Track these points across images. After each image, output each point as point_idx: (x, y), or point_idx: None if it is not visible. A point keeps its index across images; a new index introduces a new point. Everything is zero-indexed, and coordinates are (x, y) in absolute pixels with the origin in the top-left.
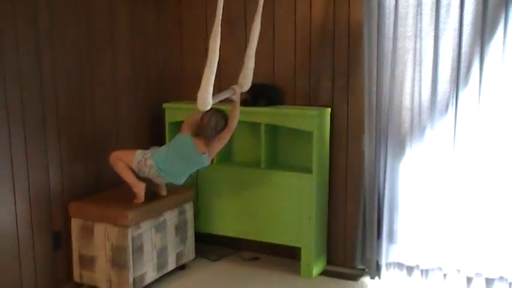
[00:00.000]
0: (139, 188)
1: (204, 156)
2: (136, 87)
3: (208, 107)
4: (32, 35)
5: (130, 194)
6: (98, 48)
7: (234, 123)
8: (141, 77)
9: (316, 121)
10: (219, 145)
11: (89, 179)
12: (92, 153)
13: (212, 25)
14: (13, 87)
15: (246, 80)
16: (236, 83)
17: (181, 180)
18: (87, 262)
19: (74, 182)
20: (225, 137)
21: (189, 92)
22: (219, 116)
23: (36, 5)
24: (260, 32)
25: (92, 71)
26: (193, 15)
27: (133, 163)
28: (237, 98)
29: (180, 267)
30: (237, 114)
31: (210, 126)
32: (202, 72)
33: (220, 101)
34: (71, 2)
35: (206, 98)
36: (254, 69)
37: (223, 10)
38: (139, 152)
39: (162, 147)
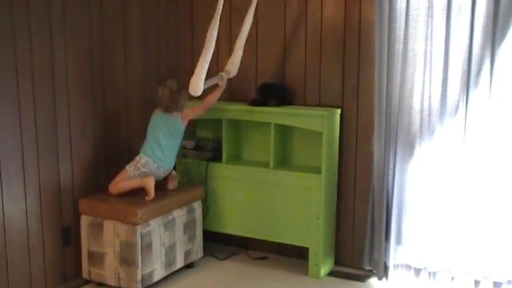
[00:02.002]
0: (149, 182)
1: (178, 119)
2: (148, 84)
3: (200, 93)
4: (44, 30)
5: (140, 192)
6: (110, 44)
7: (209, 103)
8: (152, 73)
9: (326, 121)
10: (191, 115)
11: (99, 175)
12: (102, 150)
13: (213, 18)
14: (25, 82)
15: (233, 67)
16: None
17: (173, 160)
18: (96, 259)
19: (84, 178)
20: (197, 111)
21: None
22: (168, 83)
23: (50, 0)
24: (270, 32)
25: (104, 67)
26: (204, 14)
27: (130, 175)
28: (223, 83)
29: (188, 266)
30: (216, 97)
31: (165, 98)
32: (210, 68)
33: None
34: None
35: (198, 84)
36: (264, 68)
37: (235, 11)
38: (128, 166)
39: (144, 142)
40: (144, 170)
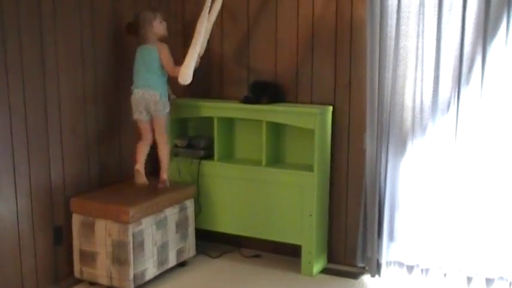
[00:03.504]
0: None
1: (153, 50)
2: None
3: (189, 81)
4: (34, 29)
5: (132, 190)
6: (102, 42)
7: (181, 71)
8: None
9: (318, 119)
10: (164, 60)
11: (90, 174)
12: (94, 149)
13: (203, 10)
14: (15, 82)
15: (201, 49)
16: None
17: (158, 83)
18: (88, 258)
19: (75, 177)
20: (169, 68)
21: (194, 88)
22: (139, 16)
23: None
24: (262, 30)
25: (95, 66)
26: (197, 13)
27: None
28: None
29: (181, 264)
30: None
31: (136, 29)
32: (207, 71)
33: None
34: None
35: (189, 74)
36: (256, 66)
37: (225, 7)
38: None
39: None
40: (134, 104)
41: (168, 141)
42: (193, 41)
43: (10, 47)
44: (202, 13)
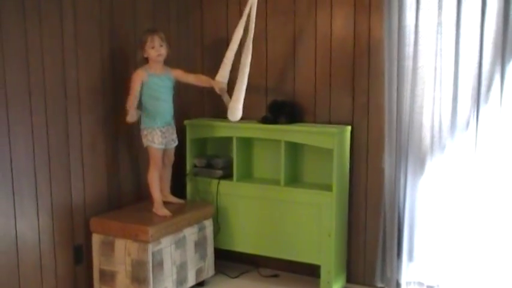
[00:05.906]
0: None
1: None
2: None
3: (239, 117)
4: (57, 49)
5: (151, 210)
6: (122, 63)
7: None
8: None
9: (336, 139)
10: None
11: (111, 194)
12: (114, 169)
13: (245, 42)
14: (38, 102)
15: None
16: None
17: (171, 112)
18: (108, 277)
19: (95, 196)
20: (181, 75)
21: (210, 108)
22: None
23: (62, 7)
24: (280, 50)
25: (115, 86)
26: (215, 33)
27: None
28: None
29: (200, 284)
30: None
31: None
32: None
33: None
34: (96, 3)
35: (240, 109)
36: (274, 86)
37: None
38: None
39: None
40: (150, 138)
41: (149, 174)
42: (240, 74)
43: (33, 68)
44: (246, 44)
